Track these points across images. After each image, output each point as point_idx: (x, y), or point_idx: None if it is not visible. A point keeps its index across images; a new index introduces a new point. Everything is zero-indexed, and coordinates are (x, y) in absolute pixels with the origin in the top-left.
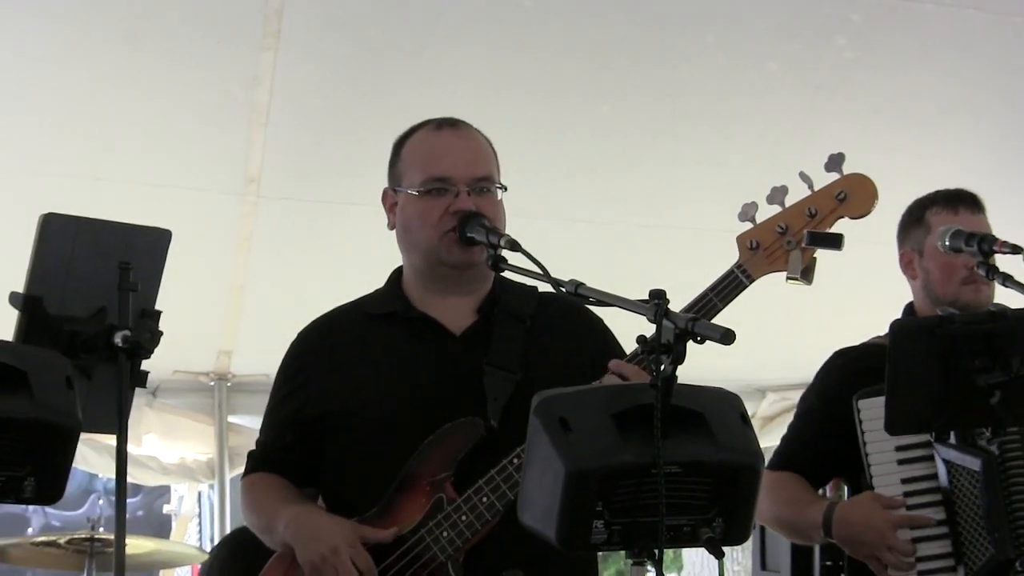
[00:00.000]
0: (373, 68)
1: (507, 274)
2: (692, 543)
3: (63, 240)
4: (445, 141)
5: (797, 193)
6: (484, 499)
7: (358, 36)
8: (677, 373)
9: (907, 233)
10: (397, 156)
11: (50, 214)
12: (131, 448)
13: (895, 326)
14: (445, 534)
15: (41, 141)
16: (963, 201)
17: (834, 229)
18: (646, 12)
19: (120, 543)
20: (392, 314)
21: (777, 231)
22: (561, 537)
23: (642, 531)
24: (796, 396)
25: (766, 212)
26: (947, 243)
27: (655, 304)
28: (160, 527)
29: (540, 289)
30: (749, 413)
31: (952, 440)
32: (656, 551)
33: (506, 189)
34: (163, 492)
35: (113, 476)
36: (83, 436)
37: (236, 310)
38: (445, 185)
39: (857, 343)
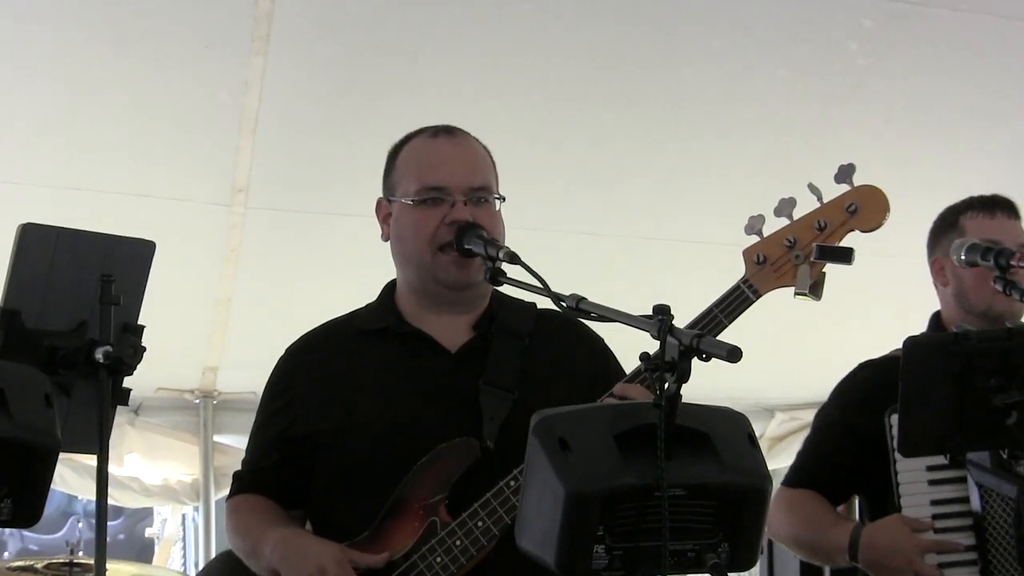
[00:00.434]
0: (367, 73)
1: (506, 288)
2: (697, 569)
3: (42, 251)
4: (441, 149)
5: (806, 205)
6: (479, 523)
7: (351, 40)
8: (681, 392)
9: (939, 239)
10: (392, 165)
11: (28, 224)
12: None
13: (908, 343)
14: (439, 559)
15: (19, 148)
16: (1000, 206)
17: (844, 243)
18: (649, 16)
19: (100, 568)
20: (385, 330)
21: (785, 245)
22: (560, 563)
23: (645, 556)
24: (806, 416)
25: (773, 225)
26: (963, 256)
27: (659, 320)
28: (142, 551)
29: (539, 305)
30: (757, 434)
31: (987, 463)
32: None
33: (504, 199)
34: (145, 515)
35: (93, 498)
36: (62, 456)
37: (222, 325)
38: (441, 195)
39: (875, 357)
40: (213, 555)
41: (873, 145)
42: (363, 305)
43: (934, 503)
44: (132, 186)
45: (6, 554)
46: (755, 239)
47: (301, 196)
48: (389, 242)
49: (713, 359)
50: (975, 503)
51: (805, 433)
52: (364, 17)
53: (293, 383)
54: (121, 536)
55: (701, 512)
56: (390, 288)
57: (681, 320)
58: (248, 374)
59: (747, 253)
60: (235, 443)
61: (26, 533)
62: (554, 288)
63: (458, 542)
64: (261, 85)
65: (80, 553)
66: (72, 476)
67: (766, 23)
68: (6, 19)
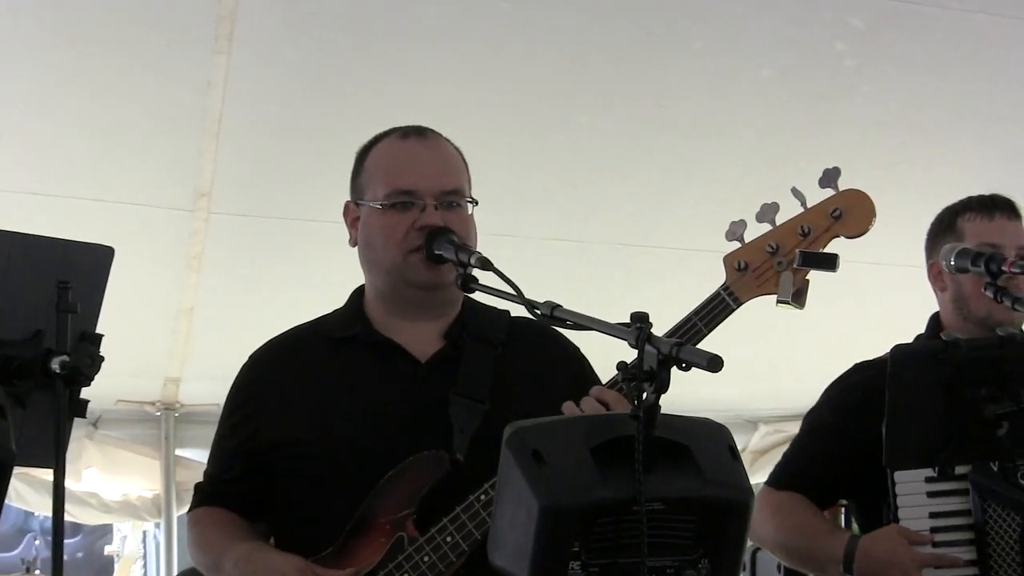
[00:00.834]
0: (335, 73)
1: (477, 296)
2: None
3: None
4: (411, 151)
5: (789, 210)
6: (448, 539)
7: (319, 38)
8: (660, 402)
9: (936, 242)
10: (360, 167)
11: None
12: (70, 484)
13: (896, 352)
14: None
15: None
16: (999, 206)
17: (829, 249)
18: (630, 14)
19: None
20: (352, 338)
21: (767, 251)
22: None
23: (622, 573)
24: (791, 428)
25: (755, 231)
26: (953, 262)
27: (637, 328)
28: (101, 569)
29: (512, 313)
30: (739, 446)
31: (990, 475)
32: None
33: (477, 203)
34: (105, 532)
35: (50, 514)
36: (17, 471)
37: (185, 335)
38: (411, 199)
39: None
40: (175, 573)
41: (862, 148)
42: (330, 312)
43: (933, 515)
44: (90, 190)
45: None
46: (736, 245)
47: (267, 201)
48: (357, 247)
49: (693, 368)
50: (977, 516)
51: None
52: (332, 14)
53: (256, 393)
54: (80, 554)
55: (681, 527)
56: (358, 295)
57: (660, 329)
58: (211, 386)
59: (728, 259)
60: (198, 457)
61: None
62: (528, 296)
63: (426, 558)
64: (225, 85)
65: (37, 572)
66: (28, 492)
67: (751, 22)
68: None
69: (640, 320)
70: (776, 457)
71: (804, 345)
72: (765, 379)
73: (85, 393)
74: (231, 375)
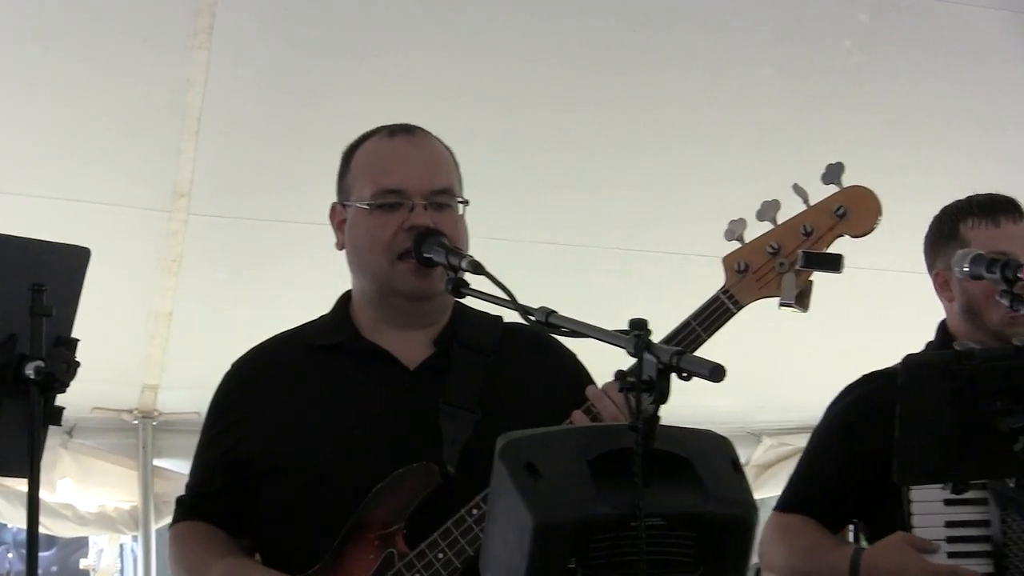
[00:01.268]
0: (318, 70)
1: (469, 301)
2: None
3: None
4: (399, 149)
5: (791, 208)
6: (440, 555)
7: (300, 35)
8: (660, 413)
9: (938, 250)
10: (346, 167)
11: None
12: (44, 495)
13: (907, 362)
14: None
15: None
16: (1002, 209)
17: (833, 249)
18: (624, 10)
19: None
20: (339, 345)
21: (768, 251)
22: None
23: None
24: (797, 441)
25: (756, 230)
26: (966, 268)
27: (636, 336)
28: None
29: (505, 319)
30: (743, 459)
31: (1011, 485)
32: None
33: (468, 203)
34: (80, 545)
35: (23, 526)
36: None
37: (163, 340)
38: (399, 199)
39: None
40: None
41: (869, 149)
42: (315, 318)
43: (949, 525)
44: (64, 190)
45: None
46: (736, 245)
47: (248, 202)
48: (344, 251)
49: (694, 378)
50: (996, 529)
51: (794, 460)
52: (315, 10)
53: (239, 401)
54: (54, 568)
55: (681, 544)
56: (345, 300)
57: (657, 336)
58: (190, 393)
59: (727, 261)
60: (177, 467)
61: None
62: (522, 301)
63: (417, 575)
64: (204, 82)
65: None
66: (0, 503)
67: (752, 18)
68: None
69: (639, 327)
70: (780, 471)
71: (810, 353)
72: (769, 389)
73: (60, 400)
74: (211, 383)
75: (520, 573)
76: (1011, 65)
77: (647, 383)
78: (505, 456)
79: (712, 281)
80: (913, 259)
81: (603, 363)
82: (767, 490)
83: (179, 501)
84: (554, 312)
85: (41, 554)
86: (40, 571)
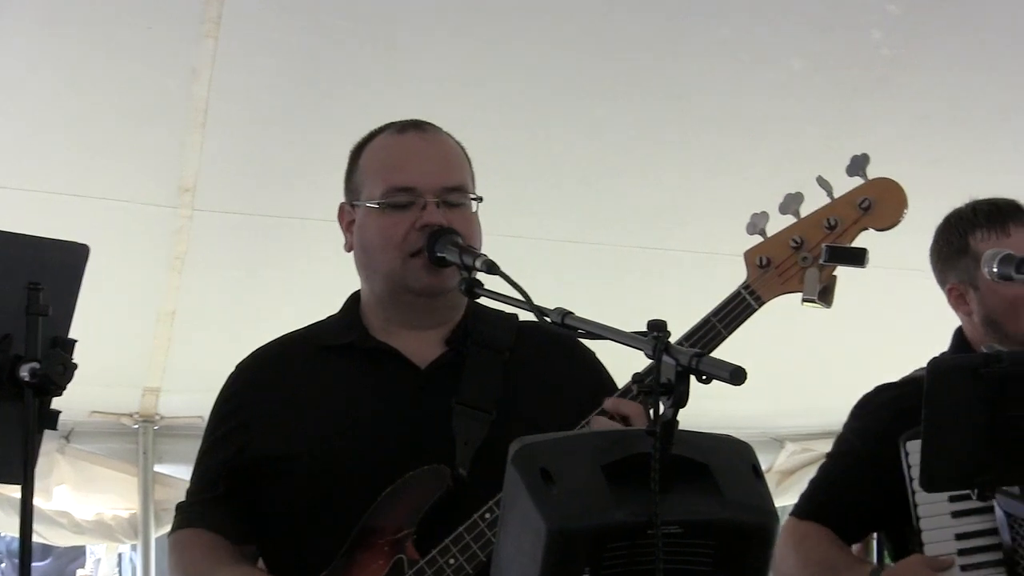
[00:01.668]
0: (332, 61)
1: (483, 301)
2: None
3: None
4: (410, 146)
5: (814, 201)
6: (451, 560)
7: (314, 22)
8: (679, 418)
9: (949, 264)
10: (355, 165)
11: None
12: (39, 501)
13: (933, 365)
14: None
15: None
16: (1010, 216)
17: (857, 243)
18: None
19: None
20: (348, 345)
21: (791, 245)
22: None
23: None
24: (821, 447)
25: (778, 223)
26: (995, 269)
27: (654, 337)
28: None
29: (521, 318)
30: (764, 466)
31: (1016, 490)
32: None
33: (482, 200)
34: (77, 554)
35: (17, 535)
36: None
37: (165, 341)
38: (410, 197)
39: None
40: None
41: (900, 144)
42: (324, 318)
43: (959, 537)
44: (65, 185)
45: None
46: (758, 239)
47: (256, 197)
48: (352, 253)
49: (715, 381)
50: (1004, 535)
51: (818, 466)
52: None
53: (244, 404)
54: None
55: (700, 553)
56: (354, 300)
57: (677, 335)
58: (193, 397)
59: (749, 255)
60: (178, 473)
61: None
62: (538, 302)
63: None
64: (211, 72)
65: None
66: None
67: (780, 9)
68: None
69: (658, 329)
70: (804, 478)
71: (836, 355)
72: (793, 392)
73: (56, 403)
74: (216, 385)
75: None
76: None
77: (665, 386)
78: (519, 462)
79: (736, 281)
80: None
81: (620, 366)
82: (790, 497)
83: (179, 508)
84: (570, 313)
85: (36, 564)
86: None
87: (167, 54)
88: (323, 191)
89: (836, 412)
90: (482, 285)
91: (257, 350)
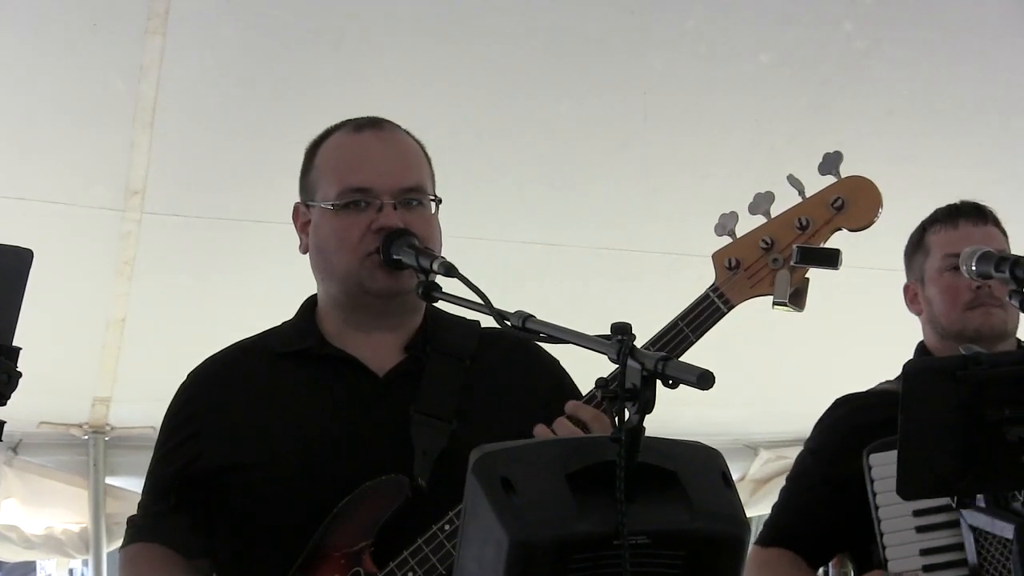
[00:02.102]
0: (283, 58)
1: (442, 305)
2: None
3: None
4: (366, 145)
5: (785, 201)
6: (410, 574)
7: (265, 18)
8: (645, 424)
9: (910, 262)
10: (310, 164)
11: None
12: None
13: (909, 368)
14: None
15: None
16: (963, 213)
17: (830, 244)
18: None
19: None
20: (303, 352)
21: (761, 247)
22: None
23: None
24: (795, 454)
25: (748, 224)
26: (974, 268)
27: (618, 341)
28: None
29: (483, 324)
30: (737, 474)
31: (980, 503)
32: None
33: (441, 202)
34: (27, 569)
35: None
36: None
37: (115, 349)
38: (366, 197)
39: (853, 392)
40: None
41: (872, 140)
42: (279, 324)
43: (924, 552)
44: (7, 188)
45: None
46: (727, 240)
47: (206, 200)
48: (308, 254)
49: (685, 386)
50: (970, 550)
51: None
52: None
53: (196, 414)
54: None
55: (668, 564)
56: (310, 305)
57: (643, 340)
58: (145, 406)
59: (717, 257)
60: (130, 486)
61: None
62: (498, 305)
63: None
64: (159, 70)
65: None
66: None
67: (749, 1)
68: None
69: (622, 332)
70: (778, 486)
71: (811, 359)
72: (767, 398)
73: (2, 414)
74: (168, 394)
75: None
76: (1021, 51)
77: (630, 391)
78: (479, 471)
79: (703, 282)
80: None
81: (584, 370)
82: (765, 506)
83: (131, 521)
84: (531, 316)
85: None
86: None
87: (113, 52)
88: (277, 192)
89: (812, 419)
90: (440, 288)
91: (210, 358)
